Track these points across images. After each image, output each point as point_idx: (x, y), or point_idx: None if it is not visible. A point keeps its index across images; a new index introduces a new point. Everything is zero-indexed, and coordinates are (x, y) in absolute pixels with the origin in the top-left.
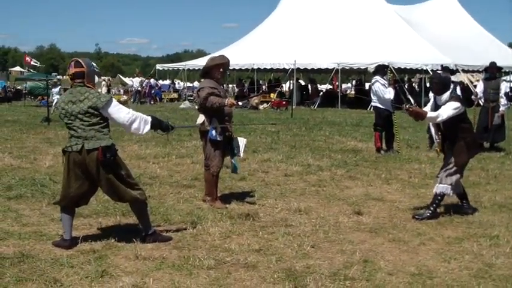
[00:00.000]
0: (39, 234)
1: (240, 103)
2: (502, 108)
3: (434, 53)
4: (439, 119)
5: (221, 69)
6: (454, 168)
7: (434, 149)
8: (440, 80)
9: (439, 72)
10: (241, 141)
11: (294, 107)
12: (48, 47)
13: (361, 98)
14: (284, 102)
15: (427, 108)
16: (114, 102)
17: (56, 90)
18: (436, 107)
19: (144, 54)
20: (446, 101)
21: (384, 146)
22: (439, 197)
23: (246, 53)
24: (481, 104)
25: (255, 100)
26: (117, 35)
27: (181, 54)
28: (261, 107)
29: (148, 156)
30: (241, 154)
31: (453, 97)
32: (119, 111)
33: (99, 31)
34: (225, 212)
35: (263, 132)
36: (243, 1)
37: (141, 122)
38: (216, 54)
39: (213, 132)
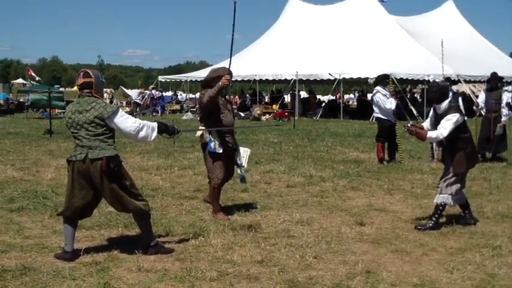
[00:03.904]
0: (41, 246)
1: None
2: (504, 119)
3: (436, 63)
4: (440, 137)
5: None
6: (454, 178)
7: (436, 160)
8: (438, 89)
9: (437, 81)
10: (245, 152)
11: (296, 118)
12: (51, 59)
13: (365, 108)
14: (286, 114)
15: (428, 121)
16: (121, 112)
17: None
18: (436, 115)
19: (147, 66)
20: (445, 110)
21: (386, 156)
22: (441, 207)
23: (248, 64)
24: (483, 114)
25: (257, 111)
26: (119, 47)
27: (184, 66)
28: (263, 117)
29: (150, 167)
30: (245, 164)
31: (452, 106)
32: (125, 121)
33: (102, 43)
34: (227, 224)
35: (265, 143)
36: (246, 12)
37: (148, 129)
38: (219, 65)
39: (212, 144)
